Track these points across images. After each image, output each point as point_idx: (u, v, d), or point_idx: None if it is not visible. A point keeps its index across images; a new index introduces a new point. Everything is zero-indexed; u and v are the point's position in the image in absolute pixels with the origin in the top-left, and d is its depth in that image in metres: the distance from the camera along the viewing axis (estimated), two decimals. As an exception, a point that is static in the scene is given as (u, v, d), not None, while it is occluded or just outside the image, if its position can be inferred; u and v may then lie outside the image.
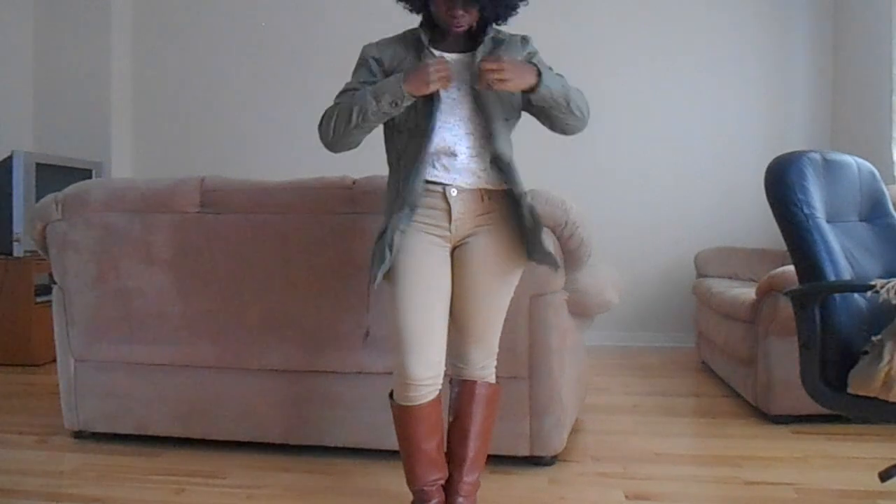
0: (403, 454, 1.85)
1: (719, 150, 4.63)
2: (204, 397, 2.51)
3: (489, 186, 1.82)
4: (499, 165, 1.80)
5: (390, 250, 1.74)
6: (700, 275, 4.18)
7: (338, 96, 1.86)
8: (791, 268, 2.04)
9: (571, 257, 2.30)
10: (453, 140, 1.78)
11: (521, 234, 1.82)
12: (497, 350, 1.94)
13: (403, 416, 1.81)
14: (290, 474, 2.32)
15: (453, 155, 1.78)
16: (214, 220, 2.46)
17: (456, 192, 1.78)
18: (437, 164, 1.78)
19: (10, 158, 3.98)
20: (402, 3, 1.88)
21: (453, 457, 1.89)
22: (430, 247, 1.80)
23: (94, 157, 4.69)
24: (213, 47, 5.08)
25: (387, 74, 1.83)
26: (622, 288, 2.89)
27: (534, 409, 2.30)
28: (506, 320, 2.24)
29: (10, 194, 3.94)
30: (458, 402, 1.90)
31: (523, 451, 2.33)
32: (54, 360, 2.70)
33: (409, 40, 1.88)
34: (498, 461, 2.34)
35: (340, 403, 2.40)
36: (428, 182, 1.78)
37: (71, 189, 2.61)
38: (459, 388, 1.90)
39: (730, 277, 4.02)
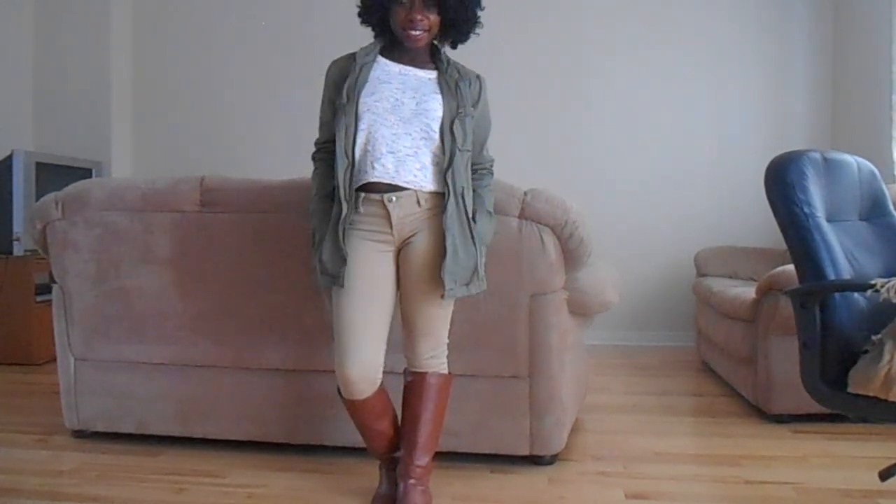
0: (360, 433, 2.06)
1: (719, 150, 4.63)
2: (204, 396, 2.51)
3: (425, 188, 1.91)
4: (447, 180, 1.90)
5: (346, 253, 1.86)
6: (700, 274, 4.18)
7: (321, 113, 2.02)
8: (791, 267, 2.04)
9: (571, 256, 2.30)
10: (392, 137, 1.89)
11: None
12: (446, 341, 2.03)
13: (350, 407, 1.98)
14: (290, 474, 2.32)
15: (392, 152, 1.88)
16: (214, 219, 2.46)
17: (395, 198, 1.89)
18: (376, 165, 1.88)
19: (10, 158, 3.98)
20: (363, 22, 2.01)
21: (405, 441, 2.00)
22: (373, 254, 1.91)
23: (94, 157, 4.70)
24: (213, 47, 5.08)
25: (339, 91, 1.95)
26: (622, 287, 2.89)
27: (534, 409, 2.30)
28: (506, 319, 2.26)
29: (10, 193, 3.94)
30: (409, 391, 2.01)
31: (523, 451, 2.33)
32: (54, 360, 2.70)
33: (352, 56, 1.99)
34: (498, 460, 2.35)
35: (340, 403, 2.39)
36: (366, 191, 1.89)
37: (71, 188, 2.61)
38: (411, 378, 2.01)
39: (730, 277, 4.02)
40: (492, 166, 2.12)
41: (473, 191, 2.00)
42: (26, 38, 4.89)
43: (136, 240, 2.50)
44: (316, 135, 2.05)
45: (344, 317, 1.89)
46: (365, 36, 2.05)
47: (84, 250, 2.54)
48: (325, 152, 2.00)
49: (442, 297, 1.89)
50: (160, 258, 2.49)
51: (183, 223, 2.47)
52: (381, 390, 1.97)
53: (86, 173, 4.41)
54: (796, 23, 4.59)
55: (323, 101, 2.02)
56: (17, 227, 3.93)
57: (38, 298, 3.91)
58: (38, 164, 4.07)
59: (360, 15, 1.99)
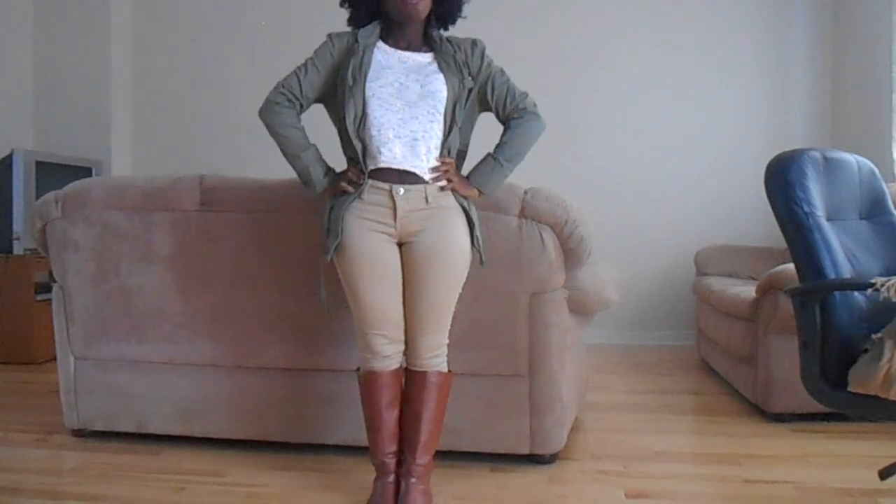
0: (367, 424, 2.03)
1: (719, 149, 4.63)
2: (203, 395, 2.51)
3: (434, 183, 1.94)
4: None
5: (341, 230, 1.92)
6: (700, 273, 4.17)
7: (299, 68, 2.08)
8: (791, 266, 2.04)
9: (571, 255, 2.30)
10: (399, 121, 1.91)
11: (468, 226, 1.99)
12: (447, 341, 2.04)
13: (370, 383, 1.99)
14: (289, 472, 2.32)
15: (399, 137, 1.91)
16: (214, 218, 2.46)
17: (403, 191, 1.91)
18: (383, 150, 1.91)
19: (10, 156, 3.99)
20: (351, 21, 2.09)
21: (406, 440, 2.01)
22: (378, 243, 1.95)
23: (94, 156, 4.70)
24: (212, 47, 5.07)
25: (334, 65, 2.01)
26: (622, 286, 2.89)
27: (534, 408, 2.30)
28: (506, 318, 2.26)
29: (11, 192, 3.95)
30: (411, 389, 2.02)
31: (523, 450, 2.33)
32: (54, 359, 2.70)
33: (354, 35, 2.03)
34: (498, 459, 2.35)
35: (340, 401, 2.40)
36: (375, 178, 1.92)
37: (71, 187, 2.61)
38: (412, 377, 2.03)
39: (730, 276, 4.02)
40: (525, 99, 2.08)
41: (505, 132, 2.05)
42: (26, 38, 4.88)
43: (136, 239, 2.50)
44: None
45: (364, 292, 1.94)
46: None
47: (84, 249, 2.54)
48: (289, 101, 2.04)
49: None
50: (160, 257, 2.49)
51: (182, 222, 2.47)
52: (399, 374, 2.02)
53: (86, 172, 4.40)
54: (796, 23, 4.59)
55: (309, 62, 2.05)
56: (17, 226, 3.94)
57: (39, 297, 3.91)
58: (38, 163, 4.07)
59: (351, 16, 2.07)
